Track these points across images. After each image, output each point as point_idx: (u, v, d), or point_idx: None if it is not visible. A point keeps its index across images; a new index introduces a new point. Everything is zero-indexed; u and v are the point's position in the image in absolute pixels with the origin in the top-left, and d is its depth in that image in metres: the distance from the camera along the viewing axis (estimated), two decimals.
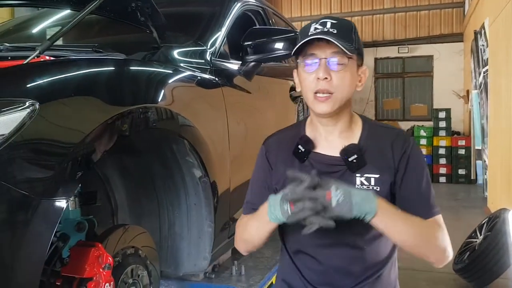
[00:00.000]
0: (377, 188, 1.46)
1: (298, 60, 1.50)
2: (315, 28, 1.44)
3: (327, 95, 1.44)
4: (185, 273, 2.33)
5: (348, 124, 1.53)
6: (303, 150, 1.53)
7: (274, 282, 2.54)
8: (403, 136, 1.54)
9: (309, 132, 1.58)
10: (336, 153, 1.50)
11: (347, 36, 1.43)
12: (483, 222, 4.59)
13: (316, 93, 1.45)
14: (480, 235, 4.43)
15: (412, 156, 1.50)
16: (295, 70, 1.57)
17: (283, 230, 1.62)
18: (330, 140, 1.52)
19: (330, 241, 1.50)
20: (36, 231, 1.29)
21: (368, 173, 1.47)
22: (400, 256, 1.64)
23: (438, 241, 1.46)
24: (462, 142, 10.07)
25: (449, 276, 4.46)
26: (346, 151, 1.47)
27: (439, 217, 1.52)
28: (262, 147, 1.67)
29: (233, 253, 2.79)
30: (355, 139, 1.52)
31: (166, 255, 2.28)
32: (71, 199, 1.68)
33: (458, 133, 10.74)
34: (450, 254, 1.48)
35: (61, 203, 1.34)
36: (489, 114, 7.01)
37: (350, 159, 1.46)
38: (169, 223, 2.26)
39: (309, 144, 1.53)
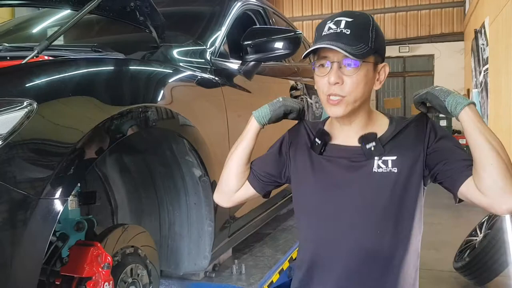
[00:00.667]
0: (394, 169, 1.45)
1: (312, 61, 1.49)
2: (329, 28, 1.42)
3: (339, 98, 1.43)
4: (185, 273, 2.33)
5: (366, 122, 1.52)
6: (319, 142, 1.54)
7: (274, 281, 2.55)
8: (422, 118, 1.50)
9: (328, 128, 1.59)
10: (354, 143, 1.50)
11: (362, 36, 1.40)
12: (483, 220, 4.59)
13: (329, 95, 1.44)
14: (480, 233, 4.44)
15: (435, 132, 1.46)
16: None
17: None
18: (349, 135, 1.52)
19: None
20: (34, 231, 1.29)
21: (386, 156, 1.46)
22: None
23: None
24: (462, 141, 10.03)
25: (449, 274, 4.47)
26: (364, 138, 1.48)
27: None
28: (284, 135, 1.71)
29: (234, 252, 2.79)
30: (379, 133, 1.50)
31: (166, 255, 2.28)
32: (70, 198, 1.68)
33: (458, 132, 10.74)
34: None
35: (60, 203, 1.34)
36: (489, 112, 7.01)
37: (368, 146, 1.46)
38: (169, 222, 2.26)
39: (325, 136, 1.55)
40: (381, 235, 1.46)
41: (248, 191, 1.70)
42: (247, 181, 1.69)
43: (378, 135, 1.49)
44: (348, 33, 1.39)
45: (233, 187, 1.69)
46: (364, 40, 1.39)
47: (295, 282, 1.65)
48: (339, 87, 1.42)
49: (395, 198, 1.45)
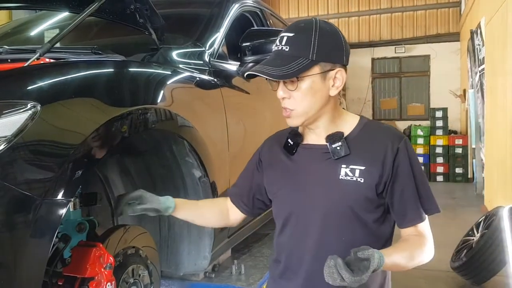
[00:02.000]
0: (361, 179, 1.47)
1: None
2: (276, 45, 1.48)
3: (289, 111, 1.49)
4: (185, 273, 2.35)
5: (333, 124, 1.55)
6: (292, 143, 1.58)
7: None
8: (398, 137, 1.52)
9: (300, 129, 1.62)
10: (323, 142, 1.53)
11: (301, 51, 1.43)
12: (480, 220, 4.61)
13: (283, 108, 1.51)
14: (477, 233, 4.46)
15: (401, 162, 1.49)
16: None
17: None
18: (318, 135, 1.56)
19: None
20: (38, 232, 1.30)
21: (354, 165, 1.48)
22: None
23: (428, 255, 1.52)
24: (459, 141, 10.11)
25: (446, 274, 4.48)
26: (331, 137, 1.51)
27: (425, 224, 1.55)
28: (260, 146, 1.76)
29: (233, 253, 2.80)
30: (346, 133, 1.54)
31: (166, 255, 2.29)
32: (72, 200, 1.69)
33: (455, 132, 10.79)
34: (432, 255, 1.53)
35: (63, 204, 1.36)
36: (485, 113, 7.04)
37: (334, 146, 1.49)
38: (169, 223, 2.28)
39: (297, 137, 1.59)
40: (346, 240, 1.48)
41: (239, 214, 1.77)
42: (236, 209, 1.76)
43: (346, 134, 1.53)
44: (287, 50, 1.44)
45: (225, 224, 1.82)
46: (304, 54, 1.42)
47: (269, 283, 1.70)
48: (287, 101, 1.48)
49: (359, 207, 1.48)
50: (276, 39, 1.48)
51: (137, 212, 1.62)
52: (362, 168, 1.48)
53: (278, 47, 1.46)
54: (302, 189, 1.54)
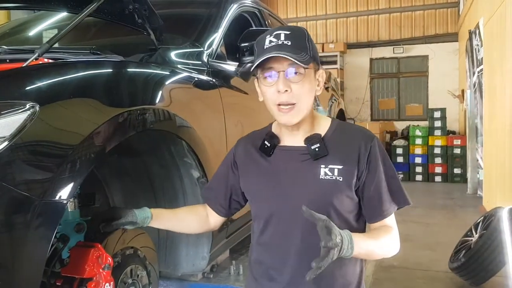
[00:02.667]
0: (340, 178, 1.52)
1: (257, 74, 1.54)
2: (270, 41, 1.48)
3: (290, 106, 1.49)
4: (183, 273, 2.34)
5: (311, 126, 1.60)
6: (268, 145, 1.60)
7: None
8: (369, 137, 1.59)
9: (276, 131, 1.65)
10: (300, 144, 1.57)
11: (301, 46, 1.48)
12: (479, 220, 4.61)
13: (279, 105, 1.50)
14: (476, 233, 4.46)
15: (373, 162, 1.56)
16: (255, 80, 1.60)
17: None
18: (296, 137, 1.59)
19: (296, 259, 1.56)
20: (37, 232, 1.30)
21: (332, 164, 1.53)
22: (396, 255, 1.66)
23: (396, 246, 1.58)
24: (457, 142, 10.11)
25: (445, 274, 4.48)
26: (309, 139, 1.55)
27: (392, 218, 1.62)
28: (233, 148, 1.76)
29: (231, 253, 2.80)
30: (321, 134, 1.58)
31: (164, 256, 2.29)
32: (70, 200, 1.69)
33: (453, 133, 10.79)
34: (398, 248, 1.60)
35: (62, 204, 1.36)
36: (483, 113, 7.05)
37: (313, 147, 1.53)
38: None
39: (274, 139, 1.61)
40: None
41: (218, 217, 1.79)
42: (213, 212, 1.77)
43: (322, 133, 1.58)
44: (289, 44, 1.46)
45: (206, 229, 1.83)
46: (304, 49, 1.48)
47: (249, 283, 1.70)
48: (288, 95, 1.48)
49: (340, 205, 1.53)
50: (267, 37, 1.49)
51: (115, 228, 1.65)
52: (340, 167, 1.53)
53: (277, 42, 1.47)
54: (283, 190, 1.56)
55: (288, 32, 1.49)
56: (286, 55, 1.43)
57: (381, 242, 1.53)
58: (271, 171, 1.60)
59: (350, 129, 1.65)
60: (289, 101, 1.49)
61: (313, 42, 1.52)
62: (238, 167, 1.70)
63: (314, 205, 1.47)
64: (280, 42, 1.46)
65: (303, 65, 1.46)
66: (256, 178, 1.63)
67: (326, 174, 1.52)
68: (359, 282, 1.64)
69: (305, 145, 1.55)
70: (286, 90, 1.47)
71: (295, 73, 1.47)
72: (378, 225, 1.60)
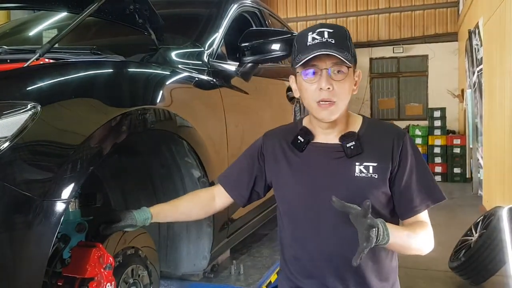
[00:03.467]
0: (375, 175, 1.54)
1: (297, 70, 1.55)
2: (313, 38, 1.49)
3: (330, 102, 1.50)
4: (184, 273, 2.34)
5: (346, 125, 1.61)
6: (302, 140, 1.61)
7: (272, 281, 2.57)
8: (401, 133, 1.60)
9: (308, 127, 1.65)
10: (334, 141, 1.58)
11: (344, 45, 1.49)
12: (478, 220, 4.62)
13: (319, 101, 1.51)
14: (476, 233, 4.47)
15: (406, 158, 1.57)
16: (291, 77, 1.61)
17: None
18: (329, 134, 1.60)
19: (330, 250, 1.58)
20: (38, 232, 1.30)
21: (367, 162, 1.54)
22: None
23: (431, 243, 1.57)
24: (457, 141, 10.12)
25: (445, 274, 4.49)
26: (345, 137, 1.56)
27: (426, 215, 1.62)
28: (260, 138, 1.77)
29: (232, 253, 2.80)
30: (355, 132, 1.60)
31: (165, 255, 2.29)
32: (72, 200, 1.69)
33: (453, 132, 10.80)
34: (433, 245, 1.59)
35: (63, 204, 1.36)
36: (483, 113, 7.05)
37: (348, 145, 1.54)
38: (168, 223, 2.27)
39: (308, 134, 1.62)
40: (356, 239, 1.50)
41: (228, 200, 1.81)
42: (225, 197, 1.80)
43: (355, 130, 1.60)
44: (333, 42, 1.47)
45: (209, 213, 1.88)
46: (346, 48, 1.49)
47: (283, 282, 1.71)
48: (330, 93, 1.50)
49: (375, 201, 1.53)
50: (309, 34, 1.49)
51: (114, 231, 1.67)
52: (374, 164, 1.54)
53: (321, 40, 1.48)
54: (316, 186, 1.57)
55: (331, 30, 1.49)
56: (334, 52, 1.44)
57: (417, 235, 1.52)
58: (303, 166, 1.61)
59: (382, 126, 1.67)
60: (330, 99, 1.50)
61: (352, 42, 1.54)
62: (265, 159, 1.71)
63: (352, 202, 1.49)
64: (324, 40, 1.47)
65: (347, 63, 1.47)
66: (287, 173, 1.64)
67: (361, 171, 1.54)
68: (395, 277, 1.66)
69: (338, 143, 1.57)
70: (329, 88, 1.48)
71: (338, 71, 1.49)
72: (411, 221, 1.60)
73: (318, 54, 1.46)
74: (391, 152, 1.55)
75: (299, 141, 1.61)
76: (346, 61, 1.46)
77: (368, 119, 1.67)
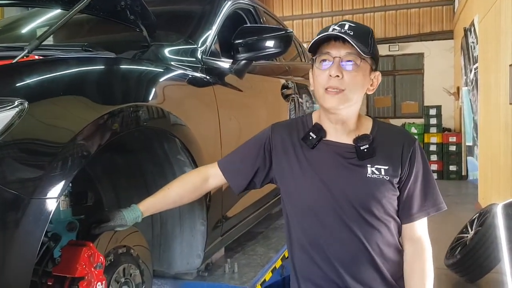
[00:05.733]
0: (386, 177, 1.55)
1: (313, 57, 1.56)
2: (333, 29, 1.50)
3: (337, 90, 1.50)
4: (178, 272, 2.32)
5: (356, 125, 1.61)
6: (314, 137, 1.60)
7: (267, 279, 2.56)
8: (411, 139, 1.62)
9: (323, 125, 1.64)
10: (346, 141, 1.58)
11: (363, 40, 1.49)
12: (474, 217, 4.62)
13: (327, 88, 1.51)
14: (471, 230, 4.47)
15: (414, 164, 1.59)
16: (310, 70, 1.61)
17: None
18: (340, 132, 1.60)
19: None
20: (26, 231, 1.28)
21: (379, 165, 1.55)
22: None
23: (431, 266, 1.63)
24: (453, 139, 10.14)
25: (441, 271, 4.49)
26: (359, 139, 1.56)
27: (423, 224, 1.64)
28: (269, 128, 1.75)
29: (226, 251, 2.79)
30: (365, 132, 1.60)
31: (158, 254, 2.27)
32: (61, 198, 1.67)
33: (449, 130, 10.81)
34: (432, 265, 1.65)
35: (51, 203, 1.33)
36: (479, 110, 7.05)
37: (362, 148, 1.54)
38: (161, 221, 2.26)
39: (321, 132, 1.61)
40: (368, 238, 1.56)
41: (222, 182, 1.84)
42: (219, 178, 1.81)
43: (366, 132, 1.60)
44: (352, 33, 1.47)
45: (201, 195, 1.89)
46: (365, 43, 1.48)
47: (295, 283, 1.70)
48: (339, 81, 1.49)
49: (387, 203, 1.56)
50: (331, 26, 1.51)
51: (103, 231, 1.67)
52: (386, 167, 1.55)
53: (340, 30, 1.48)
54: (326, 185, 1.57)
55: (353, 25, 1.50)
56: (348, 39, 1.44)
57: (426, 277, 1.59)
58: (315, 165, 1.60)
59: (392, 130, 1.67)
60: (338, 87, 1.49)
61: (375, 42, 1.53)
62: (272, 152, 1.70)
63: (360, 202, 1.52)
64: (343, 31, 1.47)
65: (361, 53, 1.46)
66: (297, 169, 1.62)
67: (373, 173, 1.55)
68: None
69: (351, 143, 1.57)
70: (338, 76, 1.48)
71: (351, 61, 1.49)
72: (408, 231, 1.63)
73: (333, 39, 1.47)
74: (400, 158, 1.57)
75: (310, 137, 1.60)
76: (361, 52, 1.46)
77: (379, 122, 1.68)
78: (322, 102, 1.55)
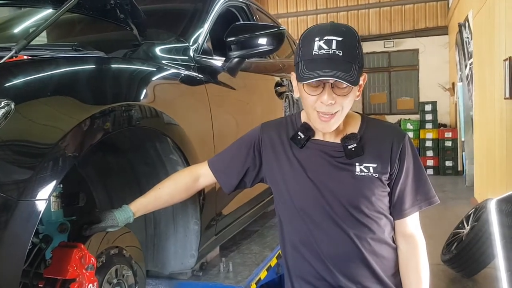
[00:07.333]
0: (375, 175, 1.54)
1: (299, 79, 1.48)
2: (320, 47, 1.40)
3: (331, 115, 1.48)
4: (172, 272, 2.31)
5: (344, 124, 1.58)
6: (302, 136, 1.59)
7: (262, 278, 2.54)
8: (401, 135, 1.60)
9: (310, 124, 1.62)
10: (334, 140, 1.57)
11: (352, 56, 1.41)
12: (470, 212, 4.63)
13: (318, 111, 1.48)
14: (467, 225, 4.47)
15: (405, 160, 1.57)
16: (292, 73, 1.57)
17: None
18: (328, 132, 1.58)
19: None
20: (14, 233, 1.26)
21: (367, 163, 1.54)
22: None
23: (426, 264, 1.63)
24: (448, 134, 10.16)
25: (437, 267, 4.49)
26: (347, 138, 1.55)
27: (415, 219, 1.63)
28: (258, 128, 1.74)
29: (221, 250, 2.78)
30: (353, 131, 1.59)
31: (152, 254, 2.26)
32: (52, 200, 1.66)
33: (444, 126, 10.83)
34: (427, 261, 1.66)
35: (40, 204, 1.31)
36: (474, 105, 7.06)
37: (349, 147, 1.53)
38: (155, 221, 2.24)
39: (309, 131, 1.59)
40: (358, 236, 1.55)
41: (213, 181, 1.83)
42: (210, 177, 1.80)
43: (354, 130, 1.59)
44: (340, 55, 1.39)
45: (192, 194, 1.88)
46: (354, 60, 1.42)
47: (289, 284, 1.70)
48: (332, 107, 1.46)
49: (376, 200, 1.55)
50: (316, 40, 1.42)
51: (95, 232, 1.65)
52: (374, 165, 1.54)
53: (328, 51, 1.39)
54: (320, 185, 1.56)
55: (340, 39, 1.40)
56: (338, 77, 1.37)
57: (422, 277, 1.60)
58: (304, 164, 1.59)
59: (381, 126, 1.65)
60: (331, 112, 1.46)
61: (361, 46, 1.47)
62: (262, 152, 1.69)
63: (349, 201, 1.51)
64: (331, 52, 1.39)
65: (353, 86, 1.42)
66: (287, 169, 1.61)
67: (361, 171, 1.54)
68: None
69: (339, 142, 1.56)
70: (331, 103, 1.44)
71: (343, 88, 1.44)
72: (400, 227, 1.62)
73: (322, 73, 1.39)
74: (390, 153, 1.55)
75: (299, 137, 1.59)
76: (350, 84, 1.40)
77: (367, 118, 1.66)
78: (313, 122, 1.53)
